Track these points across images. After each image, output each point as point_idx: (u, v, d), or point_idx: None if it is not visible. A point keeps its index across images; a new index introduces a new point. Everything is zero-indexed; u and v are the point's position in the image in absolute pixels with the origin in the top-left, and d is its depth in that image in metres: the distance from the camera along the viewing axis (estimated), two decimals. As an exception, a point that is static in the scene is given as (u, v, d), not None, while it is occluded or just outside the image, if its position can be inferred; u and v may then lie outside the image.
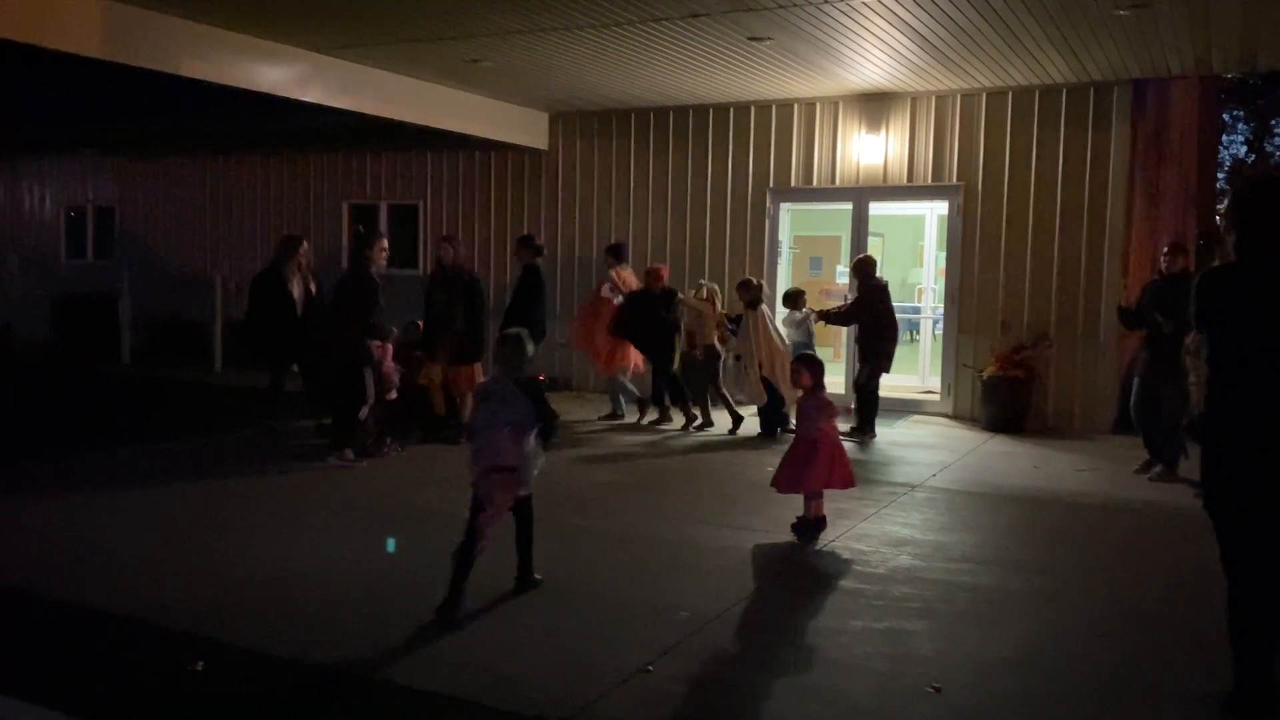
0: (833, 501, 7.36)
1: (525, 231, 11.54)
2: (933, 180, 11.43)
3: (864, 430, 9.87)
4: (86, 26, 8.11)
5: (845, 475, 6.33)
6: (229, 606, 4.89)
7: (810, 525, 6.27)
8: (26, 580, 5.21)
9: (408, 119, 11.33)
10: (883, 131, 11.55)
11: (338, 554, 5.86)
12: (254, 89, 9.63)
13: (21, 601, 4.96)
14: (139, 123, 15.71)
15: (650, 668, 4.24)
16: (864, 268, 10.07)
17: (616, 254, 10.81)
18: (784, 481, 6.33)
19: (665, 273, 10.59)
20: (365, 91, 10.65)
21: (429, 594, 5.09)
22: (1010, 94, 10.97)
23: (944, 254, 12.03)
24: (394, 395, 8.72)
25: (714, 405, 10.35)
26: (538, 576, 5.18)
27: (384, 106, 10.97)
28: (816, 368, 6.58)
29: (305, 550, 5.93)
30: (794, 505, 6.44)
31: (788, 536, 6.32)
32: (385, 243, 8.67)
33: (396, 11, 8.55)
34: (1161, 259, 8.35)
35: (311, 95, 10.14)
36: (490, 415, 4.82)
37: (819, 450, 6.22)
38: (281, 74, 9.77)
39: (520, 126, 12.91)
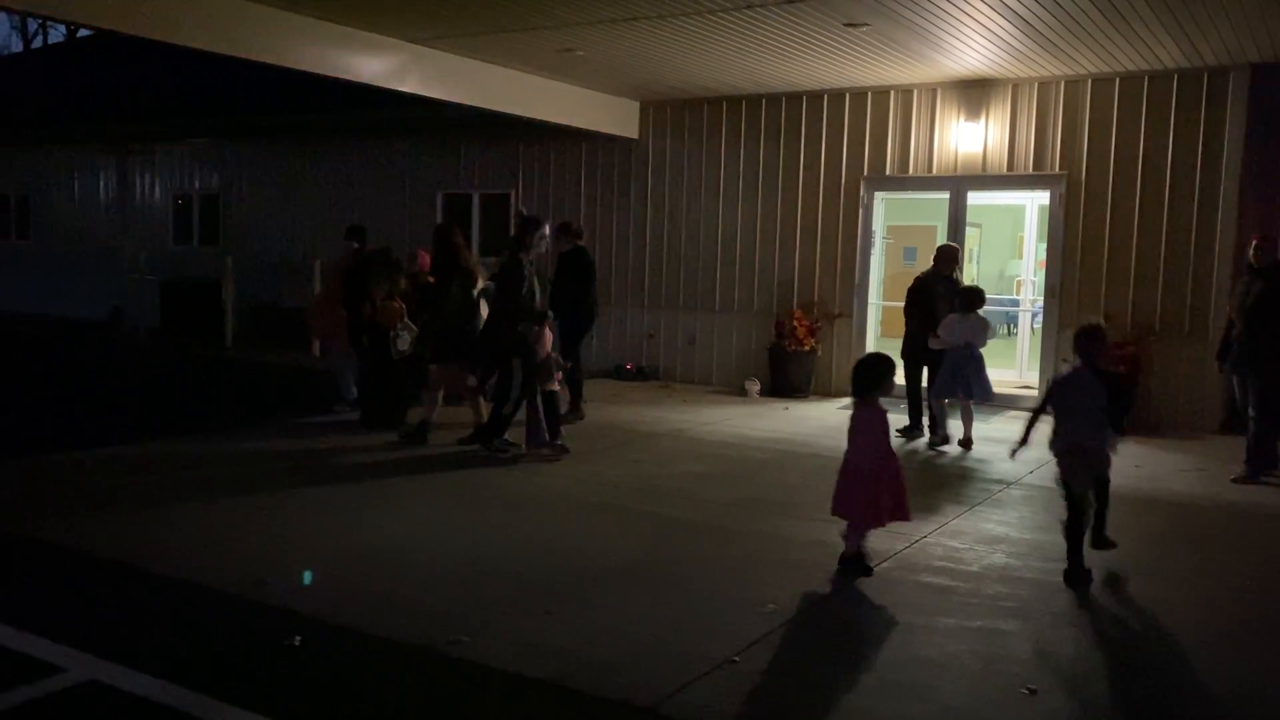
0: (925, 497, 7.25)
1: (568, 220, 10.97)
2: (1034, 169, 11.11)
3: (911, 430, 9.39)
4: (193, 19, 8.36)
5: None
6: (326, 584, 5.01)
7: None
8: (133, 554, 5.42)
9: (500, 109, 11.42)
10: (982, 119, 11.26)
11: (433, 536, 5.97)
12: (353, 79, 9.81)
13: (129, 575, 5.17)
14: (242, 113, 16.20)
15: (737, 659, 4.22)
16: (950, 257, 9.46)
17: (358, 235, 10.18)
18: None
19: (425, 259, 9.96)
20: (459, 81, 10.77)
21: (523, 578, 5.17)
22: (1117, 80, 10.59)
23: (1044, 245, 11.70)
24: (553, 386, 8.28)
25: None
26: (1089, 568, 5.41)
27: (477, 96, 11.08)
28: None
29: (400, 532, 6.04)
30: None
31: (876, 531, 6.20)
32: (545, 229, 8.59)
33: (492, 2, 8.62)
34: (1250, 253, 8.02)
35: (408, 85, 10.29)
36: (1072, 401, 5.43)
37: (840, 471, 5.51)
38: (379, 64, 9.93)
39: (611, 115, 12.93)
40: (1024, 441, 5.72)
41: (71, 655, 4.11)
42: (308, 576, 5.07)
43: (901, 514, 5.47)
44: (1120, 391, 5.58)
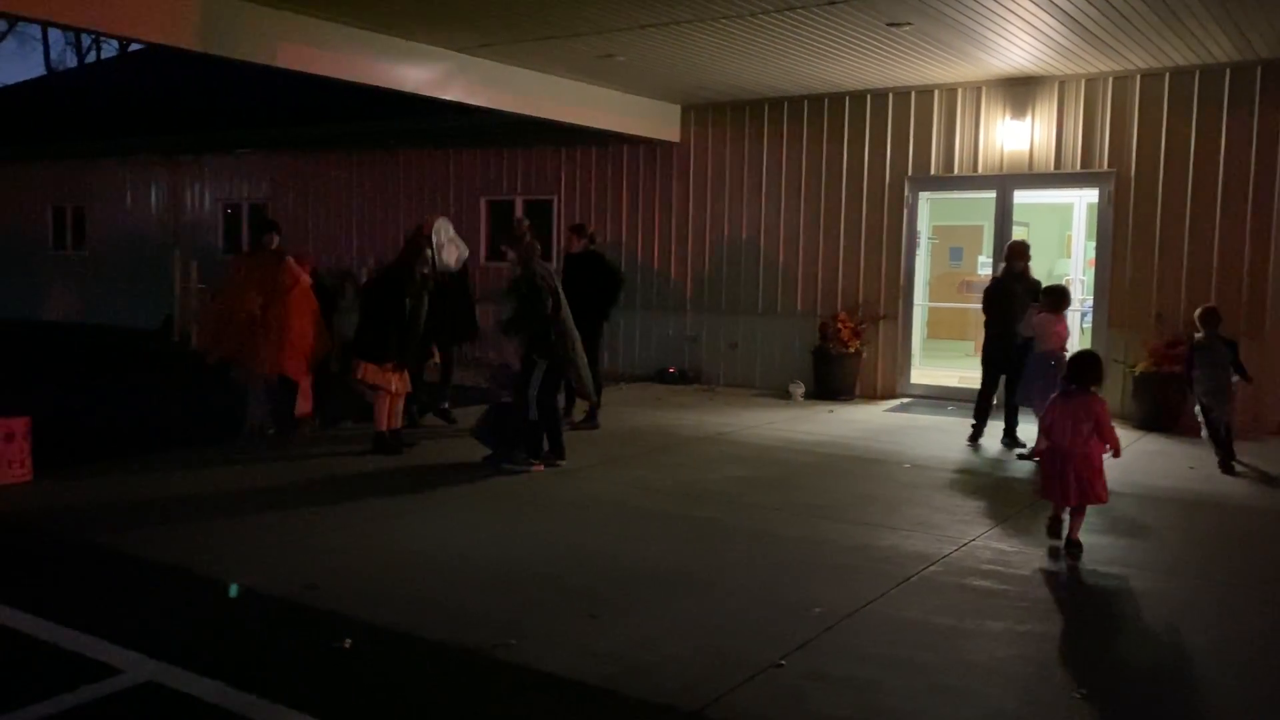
0: (971, 501, 7.18)
1: (581, 222, 10.72)
2: (1082, 167, 10.96)
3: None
4: (246, 33, 8.50)
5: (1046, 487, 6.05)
6: (374, 589, 5.07)
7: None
8: (185, 559, 5.53)
9: (542, 115, 11.48)
10: (1028, 117, 11.12)
11: (476, 542, 6.01)
12: (398, 89, 9.91)
13: (181, 579, 5.26)
14: (289, 123, 16.43)
15: (782, 663, 4.21)
16: (1021, 252, 9.28)
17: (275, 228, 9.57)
18: None
19: (310, 261, 9.53)
20: (501, 89, 10.84)
21: (566, 583, 5.20)
22: (1167, 75, 10.42)
23: (1093, 244, 11.53)
24: None
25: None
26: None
27: (519, 103, 11.14)
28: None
29: (443, 538, 6.10)
30: (935, 506, 6.27)
31: (924, 534, 6.17)
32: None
33: (535, 10, 8.68)
34: None
35: (452, 94, 10.38)
36: (1209, 359, 7.98)
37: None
38: (423, 74, 10.03)
39: (652, 119, 12.94)
40: (1189, 382, 8.24)
41: (128, 657, 4.20)
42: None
43: (1093, 496, 5.80)
44: (1237, 351, 8.06)
